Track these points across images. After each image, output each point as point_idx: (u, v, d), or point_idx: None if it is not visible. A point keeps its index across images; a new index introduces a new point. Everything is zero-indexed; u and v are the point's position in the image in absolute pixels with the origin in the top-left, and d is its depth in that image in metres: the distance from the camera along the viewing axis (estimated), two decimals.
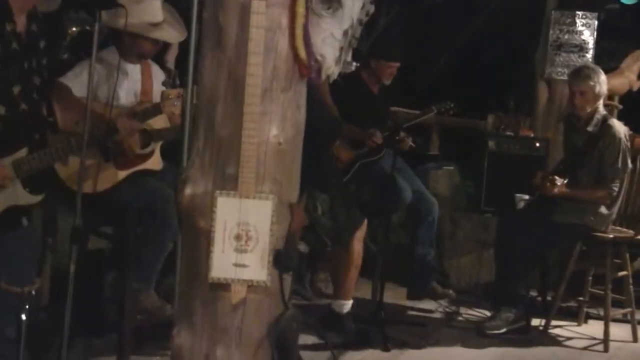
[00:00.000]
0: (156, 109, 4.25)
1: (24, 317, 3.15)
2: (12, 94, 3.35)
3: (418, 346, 4.92)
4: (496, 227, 5.76)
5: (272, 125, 3.01)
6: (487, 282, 6.20)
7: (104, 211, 4.36)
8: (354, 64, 6.29)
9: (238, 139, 2.93)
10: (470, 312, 5.82)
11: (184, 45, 4.66)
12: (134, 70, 4.53)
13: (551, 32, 6.81)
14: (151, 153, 4.44)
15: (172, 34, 4.52)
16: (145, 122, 4.28)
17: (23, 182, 3.42)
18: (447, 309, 5.83)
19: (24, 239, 3.54)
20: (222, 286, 2.94)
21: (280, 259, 2.96)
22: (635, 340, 5.42)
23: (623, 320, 5.53)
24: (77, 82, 4.20)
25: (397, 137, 5.51)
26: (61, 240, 4.27)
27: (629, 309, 5.45)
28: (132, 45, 4.46)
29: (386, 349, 4.75)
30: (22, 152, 3.40)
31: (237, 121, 2.94)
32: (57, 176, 4.07)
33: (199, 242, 2.98)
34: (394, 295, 5.84)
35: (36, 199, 3.46)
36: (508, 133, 6.70)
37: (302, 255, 5.50)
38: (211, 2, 3.04)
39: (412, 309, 5.79)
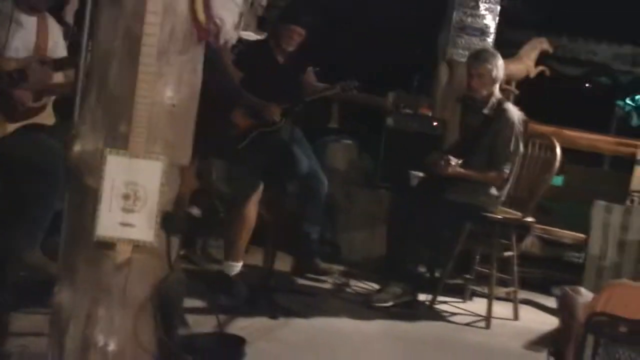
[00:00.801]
0: (72, 60, 4.10)
1: None
2: None
3: (305, 315, 4.96)
4: (389, 203, 5.84)
5: (167, 87, 2.99)
6: (378, 256, 6.29)
7: None
8: (264, 33, 6.25)
9: (131, 98, 2.90)
10: (360, 284, 5.91)
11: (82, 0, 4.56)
12: (28, 21, 4.38)
13: (454, 14, 6.92)
14: (43, 107, 4.33)
15: None
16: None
17: None
18: (337, 281, 5.90)
19: None
20: (107, 245, 2.92)
21: (167, 221, 2.95)
22: (516, 318, 5.60)
23: (506, 299, 5.70)
24: None
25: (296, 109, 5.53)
26: None
27: (512, 289, 5.61)
28: None
29: (274, 316, 4.78)
30: None
31: (132, 80, 2.91)
32: None
33: (86, 200, 2.95)
34: (285, 265, 5.88)
35: None
36: (407, 111, 6.80)
37: (194, 220, 5.48)
38: None
39: (303, 278, 5.84)
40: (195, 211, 5.26)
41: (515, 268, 5.61)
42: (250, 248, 5.28)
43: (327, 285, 5.81)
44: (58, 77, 4.30)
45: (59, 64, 4.13)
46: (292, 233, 5.84)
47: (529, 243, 6.35)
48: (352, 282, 5.93)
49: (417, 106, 6.83)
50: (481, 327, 5.36)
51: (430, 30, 7.63)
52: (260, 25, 7.01)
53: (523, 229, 5.74)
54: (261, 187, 4.78)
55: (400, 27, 8.96)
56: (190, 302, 4.29)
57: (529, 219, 5.62)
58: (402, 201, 5.61)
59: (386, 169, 6.47)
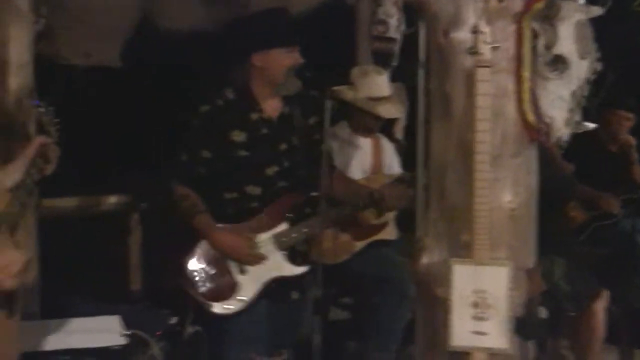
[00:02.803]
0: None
1: None
2: (266, 174, 3.56)
3: None
4: None
5: (504, 191, 3.00)
6: None
7: (342, 281, 4.47)
8: (585, 124, 6.09)
9: (470, 206, 2.94)
10: None
11: (410, 116, 4.77)
12: (364, 143, 4.66)
13: None
14: (385, 223, 4.54)
15: (390, 110, 4.64)
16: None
17: (287, 255, 3.59)
18: None
19: (292, 312, 3.69)
20: (462, 354, 2.93)
21: (521, 326, 2.92)
22: None
23: None
24: None
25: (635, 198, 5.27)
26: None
27: None
28: (359, 119, 4.61)
29: None
30: (283, 226, 3.58)
31: (469, 188, 2.95)
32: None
33: (437, 310, 3.00)
34: None
35: (300, 270, 3.61)
36: None
37: (542, 322, 5.35)
38: (437, 73, 3.10)
39: None
40: (543, 312, 5.14)
41: None
42: (602, 346, 5.04)
43: None
44: None
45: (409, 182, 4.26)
46: None
47: None
48: None
49: None
50: None
51: None
52: (587, 115, 6.84)
53: None
54: (605, 293, 4.58)
55: None
56: None
57: None
58: None
59: None
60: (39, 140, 2.93)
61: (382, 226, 4.53)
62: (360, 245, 4.47)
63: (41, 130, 3.03)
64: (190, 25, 5.24)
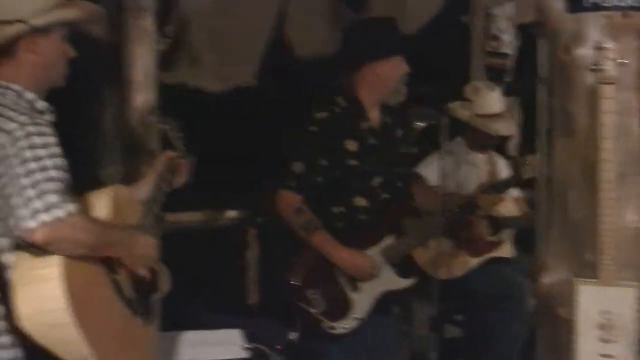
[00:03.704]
0: (515, 180, 4.20)
1: None
2: (372, 186, 3.55)
3: None
4: None
5: (629, 210, 2.94)
6: None
7: (456, 298, 4.44)
8: None
9: (594, 225, 2.89)
10: None
11: (526, 133, 4.72)
12: (480, 160, 4.64)
13: None
14: (502, 240, 4.50)
15: (504, 128, 4.59)
16: (495, 210, 4.32)
17: (394, 268, 3.58)
18: None
19: (393, 326, 3.69)
20: None
21: None
22: None
23: None
24: (428, 171, 4.33)
25: None
26: (417, 327, 4.40)
27: None
28: (474, 136, 4.58)
29: None
30: (389, 239, 3.56)
31: (592, 207, 2.90)
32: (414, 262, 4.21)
33: (560, 331, 2.95)
34: None
35: (408, 282, 3.60)
36: None
37: None
38: (559, 90, 3.06)
39: None
40: None
41: None
42: None
43: None
44: (512, 211, 4.45)
45: (501, 187, 4.22)
46: None
47: None
48: None
49: None
50: None
51: None
52: None
53: None
54: None
55: None
56: None
57: None
58: None
59: None
60: (167, 154, 3.03)
61: (498, 243, 4.49)
62: (475, 261, 4.43)
63: (167, 145, 3.13)
64: (316, 43, 5.30)
